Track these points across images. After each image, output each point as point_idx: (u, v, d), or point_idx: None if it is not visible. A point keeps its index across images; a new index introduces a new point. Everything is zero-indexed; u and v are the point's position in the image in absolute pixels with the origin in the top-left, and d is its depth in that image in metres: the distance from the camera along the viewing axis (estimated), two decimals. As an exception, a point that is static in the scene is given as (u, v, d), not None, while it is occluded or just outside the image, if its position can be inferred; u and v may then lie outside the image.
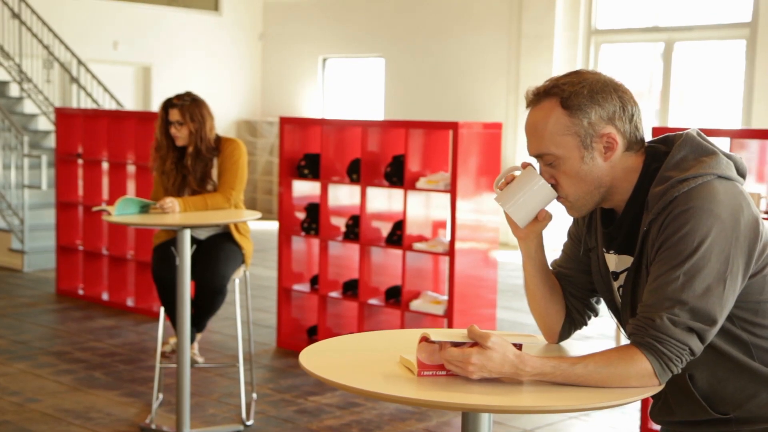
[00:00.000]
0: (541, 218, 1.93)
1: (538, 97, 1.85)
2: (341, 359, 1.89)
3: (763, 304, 1.81)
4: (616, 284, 1.94)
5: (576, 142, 1.81)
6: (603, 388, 1.70)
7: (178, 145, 4.70)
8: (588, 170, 1.83)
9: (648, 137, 1.91)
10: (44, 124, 10.60)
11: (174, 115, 4.66)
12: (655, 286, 1.74)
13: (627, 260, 1.89)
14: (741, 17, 9.41)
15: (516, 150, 10.87)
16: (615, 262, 1.92)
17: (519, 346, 1.76)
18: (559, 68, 10.55)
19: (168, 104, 4.69)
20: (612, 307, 1.99)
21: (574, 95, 1.80)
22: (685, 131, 1.86)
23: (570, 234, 2.08)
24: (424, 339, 1.76)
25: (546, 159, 1.85)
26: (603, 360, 1.72)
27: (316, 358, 1.86)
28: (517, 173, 1.92)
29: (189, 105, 4.67)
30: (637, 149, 1.86)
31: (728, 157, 1.82)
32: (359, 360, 1.88)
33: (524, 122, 1.89)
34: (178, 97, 4.71)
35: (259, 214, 4.33)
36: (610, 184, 1.85)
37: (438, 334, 1.78)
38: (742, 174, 1.82)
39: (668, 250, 1.73)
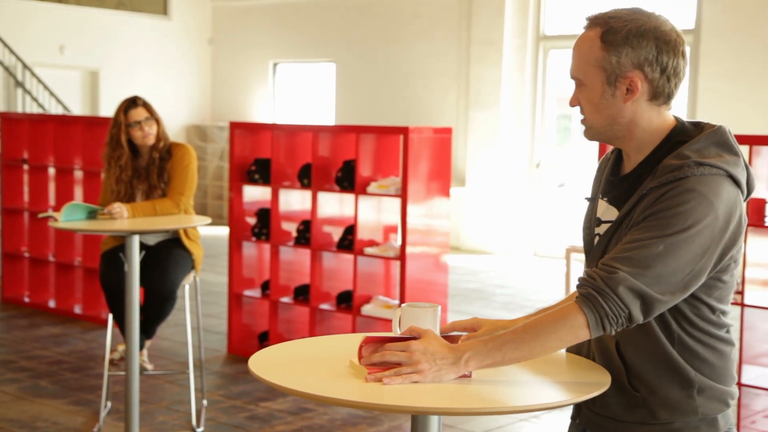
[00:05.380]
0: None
1: (590, 23, 1.93)
2: (292, 364, 1.88)
3: (700, 304, 1.85)
4: (596, 231, 1.97)
5: (602, 77, 1.87)
6: (556, 387, 1.72)
7: (148, 144, 4.64)
8: (605, 105, 1.88)
9: None
10: (-12, 129, 10.42)
11: (140, 113, 4.61)
12: (631, 246, 1.77)
13: (613, 213, 1.93)
14: (684, 24, 9.58)
15: (466, 155, 10.94)
16: (603, 209, 1.97)
17: (456, 339, 1.86)
18: (509, 73, 10.66)
19: (129, 105, 4.62)
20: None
21: (613, 32, 1.86)
22: (720, 125, 1.90)
23: None
24: (365, 342, 1.79)
25: (576, 82, 1.92)
26: (535, 320, 1.78)
27: (265, 363, 1.86)
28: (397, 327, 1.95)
29: (148, 103, 4.65)
30: (662, 102, 1.89)
31: (746, 167, 1.87)
32: (310, 365, 1.88)
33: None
34: (134, 98, 4.66)
35: (209, 220, 4.31)
36: (627, 126, 1.89)
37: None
38: (750, 188, 1.87)
39: (659, 221, 1.77)
